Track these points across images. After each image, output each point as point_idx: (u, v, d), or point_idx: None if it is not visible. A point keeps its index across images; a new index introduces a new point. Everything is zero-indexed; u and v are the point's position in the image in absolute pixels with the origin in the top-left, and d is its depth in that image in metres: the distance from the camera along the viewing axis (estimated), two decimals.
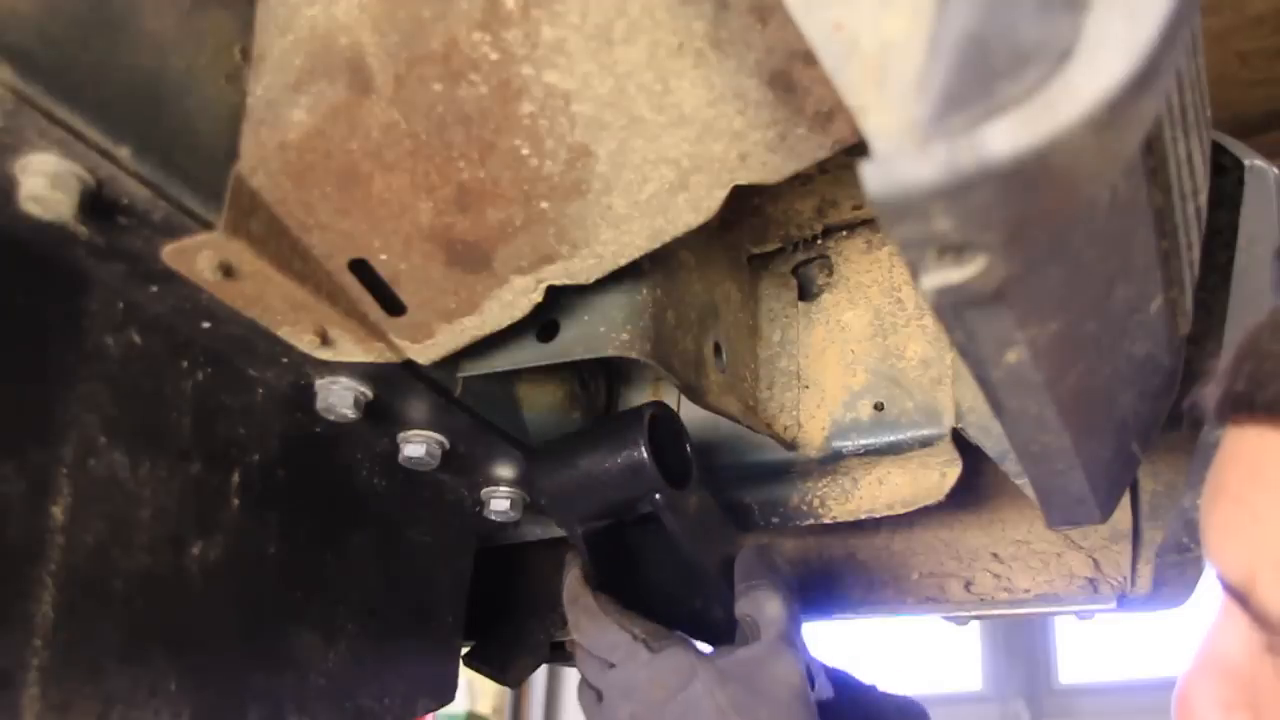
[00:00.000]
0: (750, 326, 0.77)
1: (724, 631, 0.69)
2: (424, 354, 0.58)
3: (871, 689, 0.76)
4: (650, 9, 0.44)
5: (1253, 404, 0.45)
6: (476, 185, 0.50)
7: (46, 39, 0.42)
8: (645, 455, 0.62)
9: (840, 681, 0.71)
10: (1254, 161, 0.69)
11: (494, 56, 0.46)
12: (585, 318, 0.60)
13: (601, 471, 0.64)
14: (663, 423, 0.66)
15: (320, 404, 0.61)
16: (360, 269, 0.54)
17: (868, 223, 0.77)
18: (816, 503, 0.76)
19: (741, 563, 0.69)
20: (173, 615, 0.56)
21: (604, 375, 0.78)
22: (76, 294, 0.52)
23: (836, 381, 0.74)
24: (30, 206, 0.44)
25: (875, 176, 0.25)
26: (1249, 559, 0.45)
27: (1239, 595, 0.46)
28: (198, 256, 0.49)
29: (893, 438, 0.71)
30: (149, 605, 0.55)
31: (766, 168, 0.48)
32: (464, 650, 0.92)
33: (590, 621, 0.67)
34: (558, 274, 0.54)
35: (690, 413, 0.78)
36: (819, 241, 0.78)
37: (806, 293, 0.79)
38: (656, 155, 0.48)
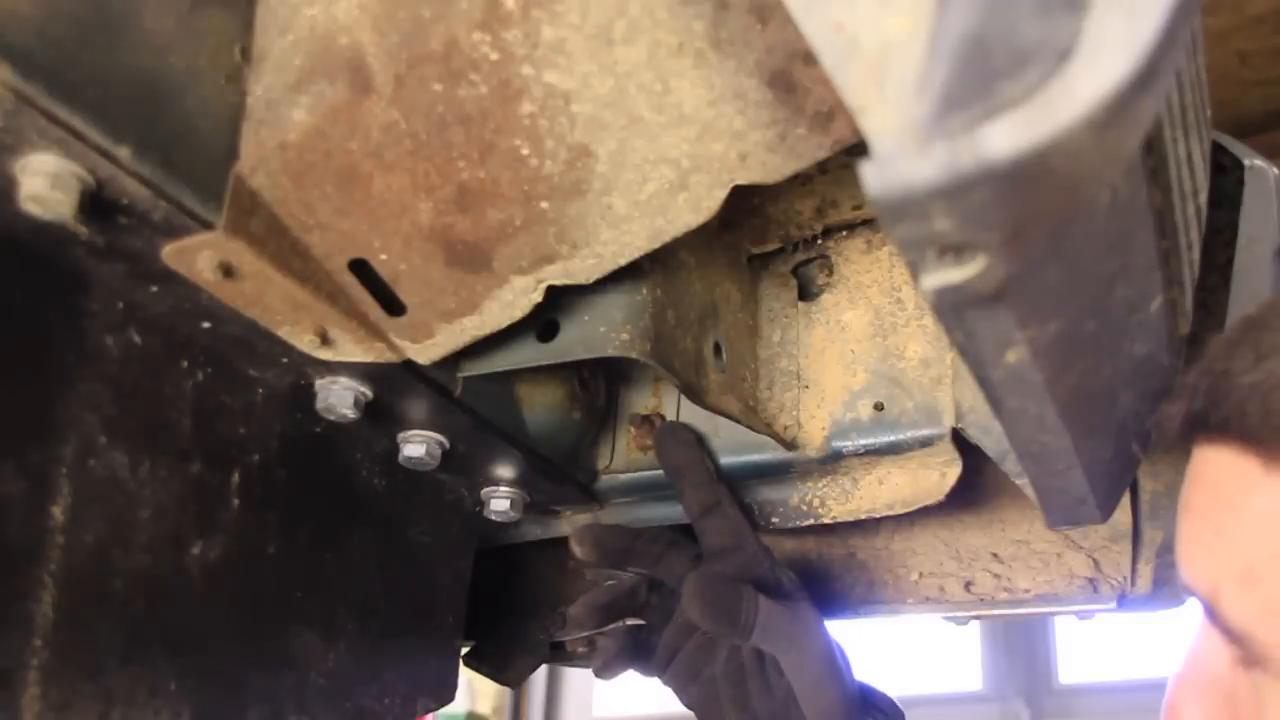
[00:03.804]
0: (750, 326, 0.77)
1: None
2: (424, 354, 0.58)
3: None
4: (650, 9, 0.44)
5: (1208, 423, 0.46)
6: (476, 185, 0.50)
7: (46, 39, 0.42)
8: None
9: None
10: (1254, 161, 0.69)
11: (494, 56, 0.46)
12: (585, 318, 0.60)
13: None
14: None
15: (320, 404, 0.61)
16: (360, 269, 0.54)
17: (868, 223, 0.77)
18: (816, 503, 0.76)
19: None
20: (173, 615, 0.56)
21: (604, 375, 0.78)
22: (76, 294, 0.52)
23: (836, 381, 0.74)
24: (30, 206, 0.43)
25: (875, 176, 0.25)
26: (1212, 574, 0.46)
27: (1206, 608, 0.46)
28: (198, 256, 0.49)
29: (893, 438, 0.71)
30: (149, 605, 0.55)
31: (766, 168, 0.48)
32: (464, 650, 0.92)
33: None
34: (558, 274, 0.54)
35: (690, 413, 0.78)
36: (819, 241, 0.78)
37: (806, 293, 0.79)
38: (656, 155, 0.48)
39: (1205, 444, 0.47)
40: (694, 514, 0.73)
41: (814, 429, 0.74)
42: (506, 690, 3.37)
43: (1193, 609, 0.50)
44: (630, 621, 0.77)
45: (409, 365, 0.59)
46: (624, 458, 0.79)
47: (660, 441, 0.75)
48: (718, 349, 0.70)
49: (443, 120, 0.48)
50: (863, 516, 0.74)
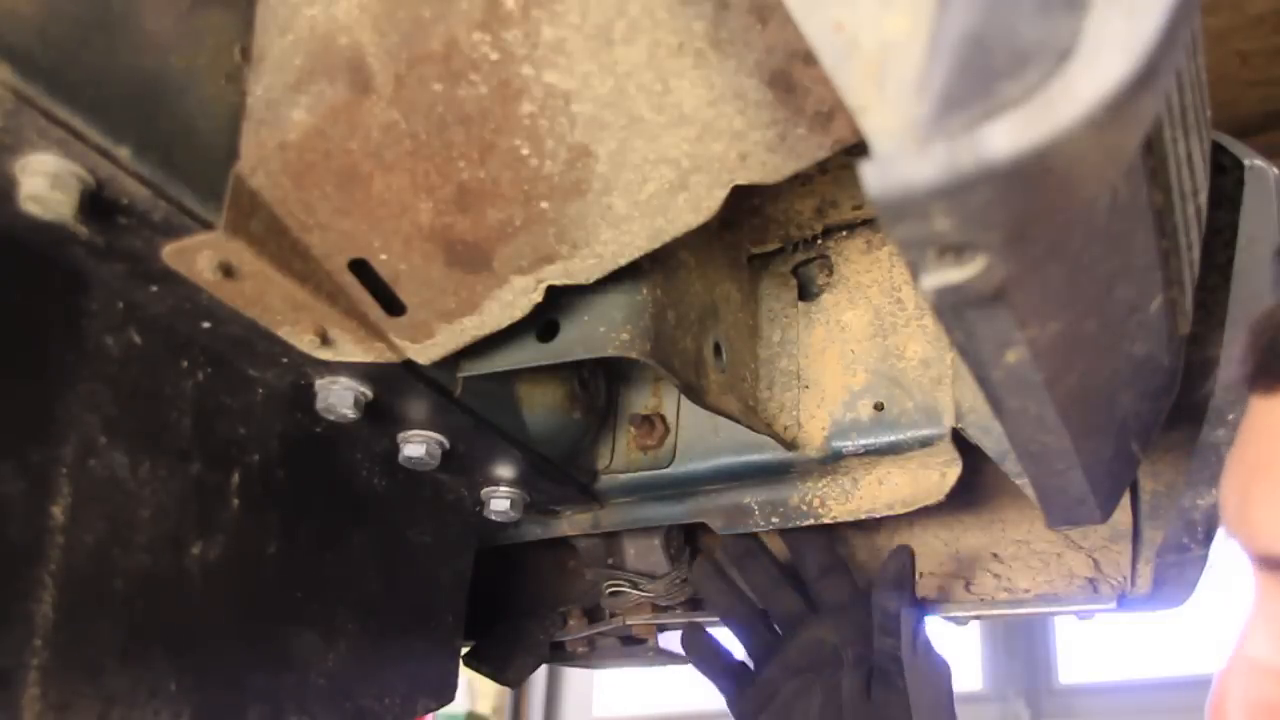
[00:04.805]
0: (750, 326, 0.77)
1: None
2: (424, 354, 0.58)
3: None
4: (650, 9, 0.44)
5: (1270, 372, 0.45)
6: (476, 185, 0.50)
7: (46, 39, 0.42)
8: None
9: None
10: (1254, 161, 0.69)
11: (494, 56, 0.46)
12: (585, 318, 0.60)
13: None
14: None
15: (320, 404, 0.61)
16: (360, 269, 0.54)
17: (868, 223, 0.77)
18: (816, 503, 0.76)
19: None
20: (173, 615, 0.56)
21: (604, 375, 0.78)
22: (76, 294, 0.52)
23: (836, 381, 0.74)
24: (30, 206, 0.44)
25: (875, 176, 0.25)
26: (1274, 527, 0.44)
27: (1265, 562, 0.45)
28: (198, 256, 0.49)
29: (893, 438, 0.71)
30: (149, 605, 0.55)
31: (766, 168, 0.48)
32: (464, 650, 0.92)
33: None
34: (558, 274, 0.54)
35: (690, 413, 0.78)
36: (819, 241, 0.78)
37: (806, 293, 0.79)
38: (656, 155, 0.48)
39: (1265, 395, 0.46)
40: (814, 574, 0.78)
41: (814, 429, 0.74)
42: (506, 690, 3.37)
43: (1241, 593, 0.49)
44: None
45: (409, 365, 0.59)
46: (624, 458, 0.79)
47: (743, 567, 0.82)
48: (718, 349, 0.70)
49: (443, 120, 0.48)
50: (863, 516, 0.74)
